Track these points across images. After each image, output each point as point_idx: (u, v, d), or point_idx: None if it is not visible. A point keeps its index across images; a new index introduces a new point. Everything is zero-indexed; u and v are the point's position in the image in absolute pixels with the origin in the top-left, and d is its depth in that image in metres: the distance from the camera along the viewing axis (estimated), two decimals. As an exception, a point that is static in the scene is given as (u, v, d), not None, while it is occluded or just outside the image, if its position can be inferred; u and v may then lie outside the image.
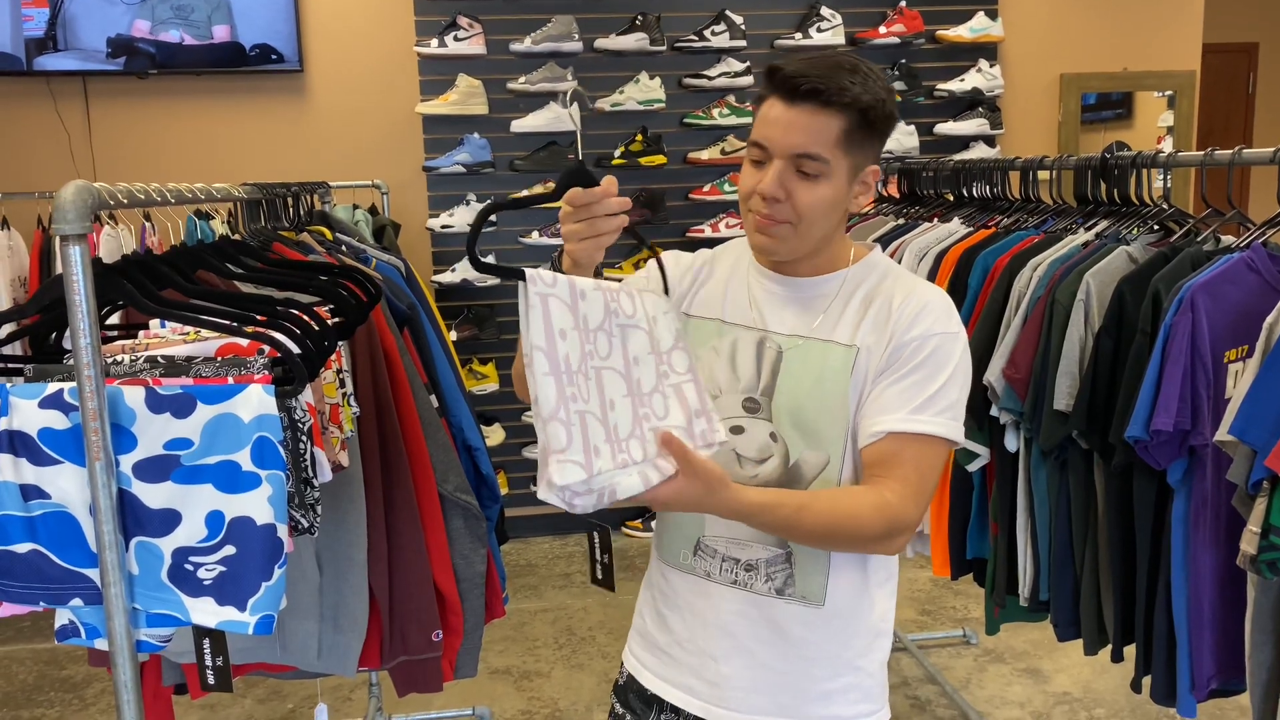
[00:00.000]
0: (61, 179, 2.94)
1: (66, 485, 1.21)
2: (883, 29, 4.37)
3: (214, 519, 1.22)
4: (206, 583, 1.22)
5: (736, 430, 1.35)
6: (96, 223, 3.46)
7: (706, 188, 4.37)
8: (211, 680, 1.30)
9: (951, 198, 2.95)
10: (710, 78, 4.29)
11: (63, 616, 1.27)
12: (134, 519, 1.21)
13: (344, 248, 2.40)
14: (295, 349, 1.31)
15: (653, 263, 1.41)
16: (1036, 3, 4.64)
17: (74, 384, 1.16)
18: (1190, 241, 2.01)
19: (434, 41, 4.11)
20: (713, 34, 4.27)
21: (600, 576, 1.30)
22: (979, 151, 4.48)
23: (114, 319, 1.57)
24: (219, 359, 1.27)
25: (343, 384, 1.60)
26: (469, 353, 4.33)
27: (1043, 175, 2.59)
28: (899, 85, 4.39)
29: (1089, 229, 2.29)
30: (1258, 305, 1.72)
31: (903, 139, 4.35)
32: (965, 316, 2.30)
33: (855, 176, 1.31)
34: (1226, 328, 1.77)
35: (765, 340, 1.37)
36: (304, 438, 1.34)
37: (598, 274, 1.30)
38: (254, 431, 1.21)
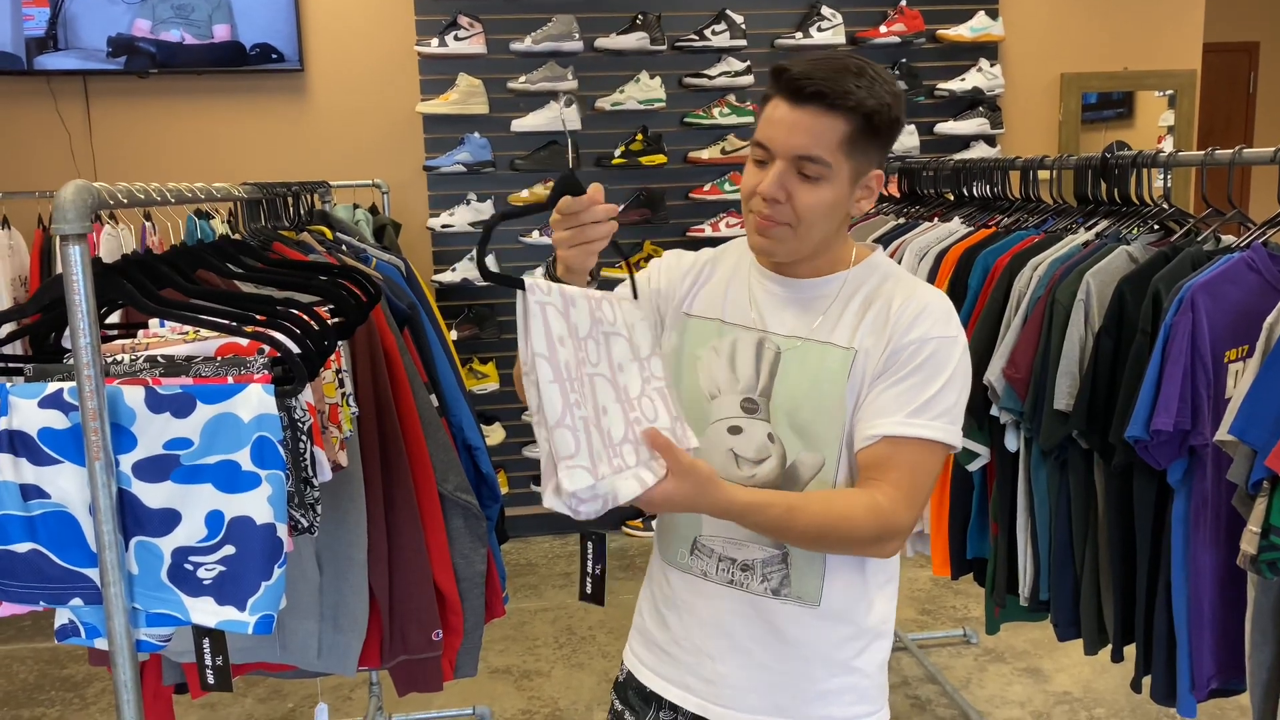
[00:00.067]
0: (62, 178, 2.94)
1: (66, 485, 1.21)
2: (883, 28, 4.37)
3: (214, 519, 1.22)
4: (206, 582, 1.22)
5: (735, 430, 1.35)
6: (97, 222, 3.46)
7: (707, 187, 4.37)
8: (211, 680, 1.29)
9: (952, 197, 2.95)
10: (710, 77, 4.29)
11: (63, 616, 1.27)
12: (134, 519, 1.22)
13: (344, 247, 2.40)
14: (295, 349, 1.31)
15: (656, 262, 1.41)
16: (1037, 2, 4.64)
17: (74, 384, 1.16)
18: (1190, 241, 2.01)
19: (434, 41, 4.11)
20: (713, 33, 4.27)
21: (589, 591, 1.30)
22: (979, 151, 4.48)
23: (114, 317, 1.57)
24: (219, 358, 1.27)
25: (342, 384, 1.60)
26: (469, 352, 4.33)
27: (1043, 175, 2.59)
28: (899, 85, 4.38)
29: (1089, 229, 2.29)
30: (1258, 305, 1.72)
31: (903, 138, 4.35)
32: (965, 316, 2.30)
33: (858, 180, 1.31)
34: (1227, 327, 1.77)
35: (764, 341, 1.36)
36: (304, 437, 1.34)
37: (596, 273, 1.30)
38: (254, 431, 1.21)
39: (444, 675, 1.95)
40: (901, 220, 2.96)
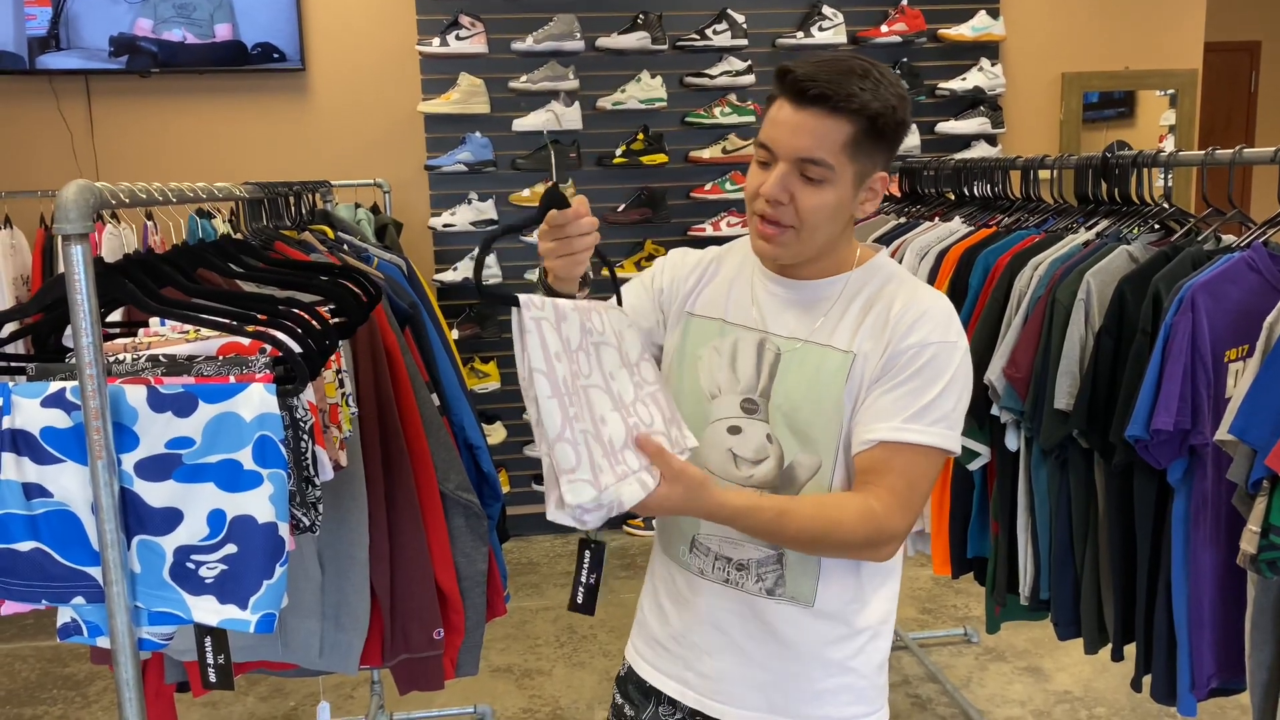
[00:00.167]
0: (64, 178, 2.94)
1: (69, 484, 1.21)
2: (884, 28, 4.37)
3: (216, 517, 1.22)
4: (208, 581, 1.23)
5: (734, 430, 1.35)
6: (99, 221, 3.47)
7: (708, 186, 4.37)
8: (213, 678, 1.30)
9: (953, 196, 2.95)
10: (712, 76, 4.30)
11: (65, 614, 1.28)
12: (136, 517, 1.22)
13: (346, 246, 2.40)
14: (297, 348, 1.31)
15: (660, 260, 1.41)
16: (1038, 2, 4.64)
17: (76, 383, 1.16)
18: (1191, 241, 2.01)
19: (436, 40, 4.11)
20: (714, 33, 4.27)
21: (580, 601, 1.30)
22: (980, 150, 4.48)
23: (115, 315, 1.57)
24: (220, 358, 1.28)
25: (342, 384, 1.61)
26: (470, 351, 4.34)
27: (1044, 174, 2.59)
28: (905, 86, 4.38)
29: (1090, 228, 2.29)
30: (1258, 305, 1.72)
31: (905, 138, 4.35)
32: (966, 315, 2.30)
33: (862, 183, 1.30)
34: (1227, 327, 1.77)
35: (765, 342, 1.37)
36: (305, 436, 1.35)
37: (586, 279, 1.31)
38: (255, 430, 1.21)
39: (445, 674, 1.95)
40: (902, 219, 2.96)
